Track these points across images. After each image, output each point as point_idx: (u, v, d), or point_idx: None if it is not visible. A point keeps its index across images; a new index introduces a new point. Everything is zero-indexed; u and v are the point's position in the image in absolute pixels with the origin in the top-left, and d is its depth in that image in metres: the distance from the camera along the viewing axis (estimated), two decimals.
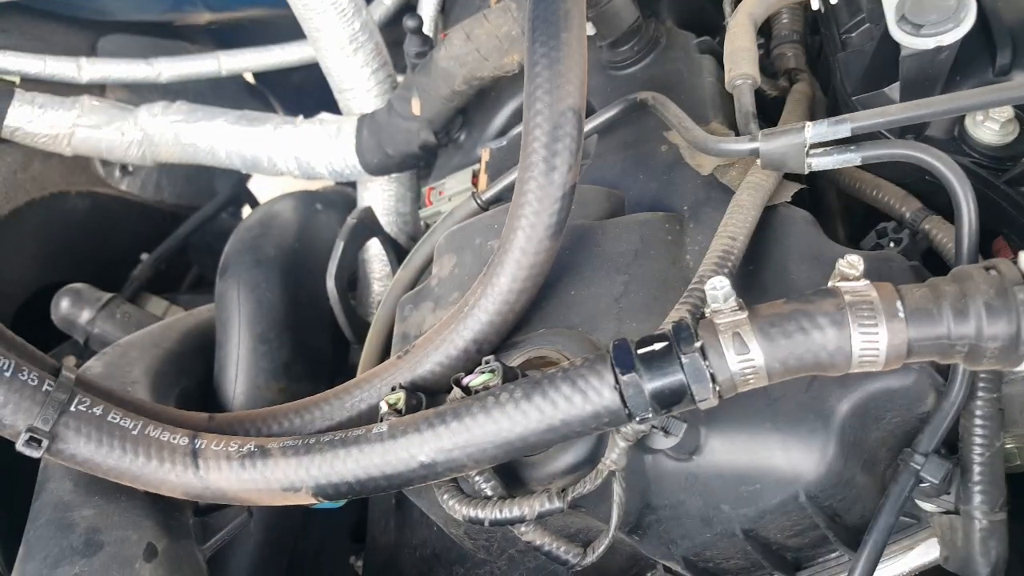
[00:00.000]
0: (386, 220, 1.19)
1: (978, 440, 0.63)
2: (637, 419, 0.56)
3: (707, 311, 0.57)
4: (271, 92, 1.96)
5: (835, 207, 0.90)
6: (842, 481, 0.63)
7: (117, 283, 1.38)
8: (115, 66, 1.44)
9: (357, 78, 1.17)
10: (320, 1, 1.12)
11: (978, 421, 0.62)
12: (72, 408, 0.63)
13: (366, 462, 0.60)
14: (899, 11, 0.66)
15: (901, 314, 0.53)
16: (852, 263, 0.56)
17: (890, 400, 0.63)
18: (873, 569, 0.63)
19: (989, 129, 0.72)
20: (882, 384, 0.62)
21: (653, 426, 0.60)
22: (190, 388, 0.95)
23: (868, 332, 0.53)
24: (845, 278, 0.56)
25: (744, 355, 0.54)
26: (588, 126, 0.85)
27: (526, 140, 0.67)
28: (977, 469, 0.62)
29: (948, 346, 0.53)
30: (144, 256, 1.40)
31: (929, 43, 0.65)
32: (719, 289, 0.57)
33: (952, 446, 0.65)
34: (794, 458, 0.62)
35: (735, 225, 0.67)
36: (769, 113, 0.87)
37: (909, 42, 0.66)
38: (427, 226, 1.07)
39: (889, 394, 0.62)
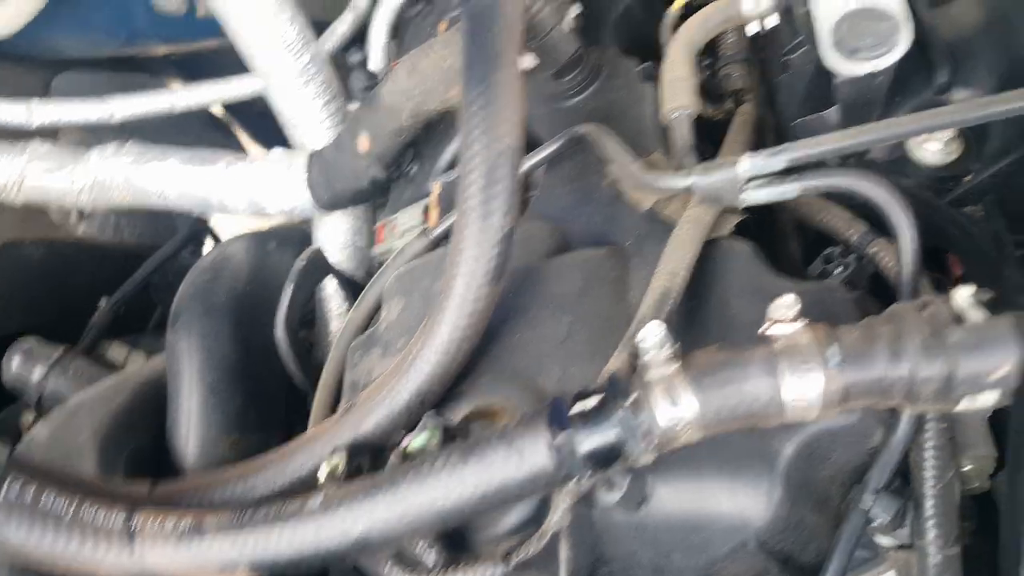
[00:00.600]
0: (342, 255, 1.17)
1: (929, 473, 0.61)
2: (575, 479, 0.55)
3: (641, 360, 0.56)
4: (237, 119, 1.94)
5: (789, 227, 0.89)
6: (791, 524, 0.61)
7: (78, 329, 1.35)
8: (67, 107, 1.41)
9: (307, 112, 1.15)
10: (266, 37, 1.10)
11: (928, 454, 0.61)
12: (1, 497, 0.61)
13: (300, 538, 0.58)
14: (834, 36, 0.65)
15: (836, 359, 0.52)
16: (787, 305, 0.55)
17: (835, 440, 0.61)
18: None
19: (930, 150, 0.71)
20: (825, 425, 0.60)
21: (596, 481, 0.58)
22: (143, 445, 0.93)
23: (801, 381, 0.52)
24: (780, 321, 0.55)
25: (677, 408, 0.53)
26: (531, 161, 0.83)
27: (462, 185, 0.65)
28: (930, 503, 0.61)
29: (885, 389, 0.52)
30: (103, 302, 1.37)
31: (864, 68, 0.64)
32: (654, 336, 0.55)
33: (906, 477, 0.64)
34: (741, 504, 0.60)
35: (674, 262, 0.65)
36: (717, 135, 0.85)
37: (843, 68, 0.65)
38: (380, 263, 1.06)
39: (833, 434, 0.61)
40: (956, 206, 0.70)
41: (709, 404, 0.53)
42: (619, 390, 0.54)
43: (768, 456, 0.60)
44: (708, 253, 0.69)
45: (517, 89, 0.66)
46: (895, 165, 0.73)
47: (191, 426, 0.93)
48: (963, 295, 0.51)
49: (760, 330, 0.55)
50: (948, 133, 0.70)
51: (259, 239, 1.14)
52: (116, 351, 1.33)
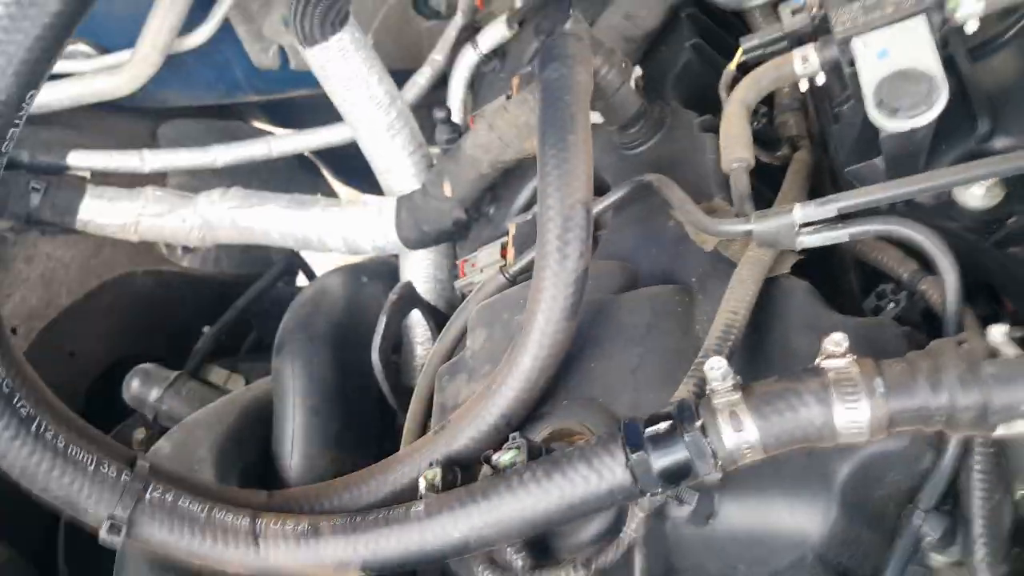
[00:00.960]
0: (425, 287, 1.27)
1: (978, 494, 0.66)
2: (648, 494, 0.62)
3: (707, 389, 0.63)
4: (324, 162, 2.09)
5: (847, 264, 0.95)
6: (848, 540, 0.67)
7: (182, 353, 1.49)
8: (174, 155, 1.57)
9: (396, 161, 1.27)
10: (358, 95, 1.22)
11: (977, 476, 0.66)
12: (147, 496, 0.72)
13: (406, 540, 0.67)
14: (876, 96, 0.71)
15: (881, 390, 0.58)
16: (837, 341, 0.62)
17: (887, 462, 0.67)
18: None
19: (975, 195, 0.76)
20: (878, 448, 0.66)
21: (668, 496, 0.65)
22: (252, 460, 1.04)
23: (851, 408, 0.58)
24: (831, 356, 0.62)
25: (740, 432, 0.60)
26: (601, 205, 0.91)
27: (541, 231, 0.74)
28: (979, 523, 0.66)
29: (927, 416, 0.58)
30: (206, 329, 1.51)
31: (905, 125, 0.70)
32: (717, 369, 0.63)
33: (958, 499, 0.69)
34: (800, 520, 0.67)
35: (736, 300, 0.73)
36: (775, 179, 0.92)
37: (886, 124, 0.71)
38: (463, 295, 1.15)
39: (885, 457, 0.67)
40: (1000, 247, 0.75)
41: (770, 428, 0.60)
42: (687, 415, 0.61)
43: (825, 476, 0.66)
44: (768, 291, 0.76)
45: (587, 148, 0.75)
46: (942, 209, 0.78)
47: (295, 443, 1.03)
48: (998, 332, 0.57)
49: (814, 362, 0.62)
50: (990, 179, 0.75)
51: (353, 273, 1.25)
52: (217, 374, 1.46)
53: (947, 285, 0.66)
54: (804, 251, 0.77)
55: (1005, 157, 0.67)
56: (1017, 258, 0.74)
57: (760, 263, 0.75)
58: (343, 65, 1.19)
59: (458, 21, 1.51)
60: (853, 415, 0.58)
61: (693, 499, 0.67)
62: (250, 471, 1.04)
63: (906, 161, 0.75)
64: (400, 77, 1.46)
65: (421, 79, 1.53)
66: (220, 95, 1.75)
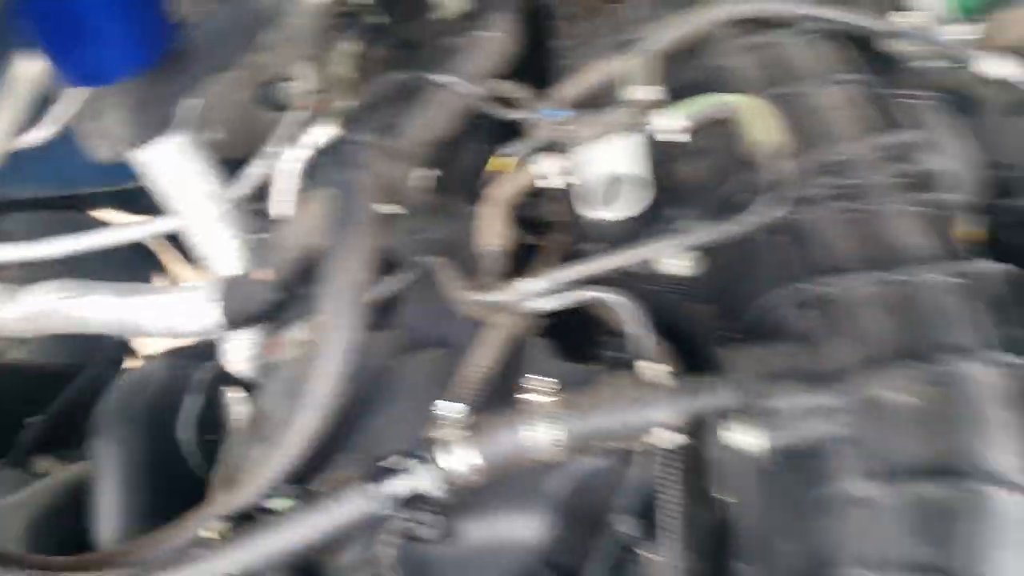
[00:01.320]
0: (247, 367, 1.36)
1: (662, 496, 0.82)
2: (393, 518, 0.75)
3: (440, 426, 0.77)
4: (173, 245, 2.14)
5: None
6: (569, 546, 0.82)
7: (7, 447, 1.49)
8: (7, 249, 1.60)
9: (220, 248, 1.37)
10: (184, 189, 1.33)
11: (659, 480, 0.82)
12: None
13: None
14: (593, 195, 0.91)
15: (569, 418, 0.74)
16: (543, 383, 0.77)
17: (596, 476, 0.83)
18: None
19: (671, 264, 0.95)
20: (585, 465, 0.82)
21: (408, 520, 0.78)
22: (68, 538, 1.08)
23: (548, 433, 0.73)
24: (537, 391, 0.77)
25: (463, 457, 0.74)
26: (388, 286, 1.06)
27: (320, 309, 0.88)
28: (667, 521, 0.81)
29: (603, 436, 0.74)
30: (28, 420, 1.52)
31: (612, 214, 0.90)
32: (449, 409, 0.77)
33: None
34: (525, 532, 0.81)
35: (478, 356, 0.88)
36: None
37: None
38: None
39: (592, 472, 0.82)
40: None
41: (487, 455, 0.74)
42: (421, 447, 0.75)
43: (544, 493, 0.81)
44: (514, 348, 0.92)
45: (367, 240, 0.89)
46: (651, 276, 0.98)
47: (111, 518, 1.09)
48: (644, 367, 0.75)
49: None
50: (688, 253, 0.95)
51: (173, 357, 1.33)
52: (43, 464, 1.47)
53: (638, 340, 0.83)
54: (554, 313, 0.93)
55: (695, 233, 0.86)
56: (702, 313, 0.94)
57: (503, 326, 0.91)
58: (169, 163, 1.30)
59: (295, 116, 1.65)
60: (550, 438, 0.74)
61: (435, 522, 0.79)
62: (67, 548, 1.08)
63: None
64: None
65: (255, 170, 1.65)
66: (62, 187, 1.80)
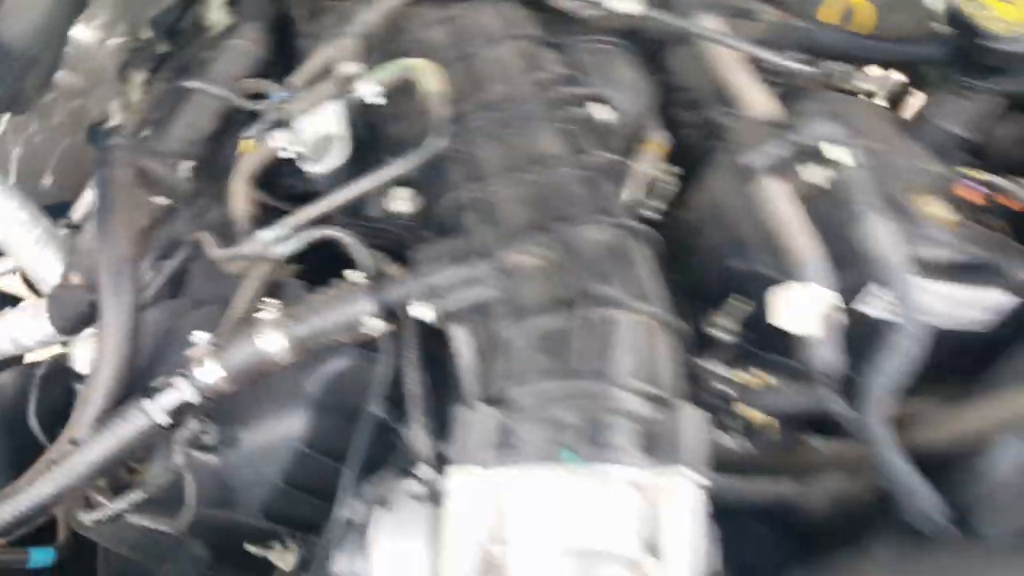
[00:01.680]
0: None
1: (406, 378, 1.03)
2: (169, 427, 0.95)
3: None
4: None
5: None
6: (330, 432, 1.03)
7: None
8: None
9: (45, 267, 1.54)
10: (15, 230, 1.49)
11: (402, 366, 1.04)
12: None
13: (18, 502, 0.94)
14: (309, 151, 1.12)
15: (293, 325, 0.95)
16: (271, 303, 0.98)
17: (345, 373, 1.04)
18: None
19: (398, 203, 1.17)
20: (332, 364, 1.03)
21: (191, 431, 0.98)
22: None
23: (277, 339, 0.94)
24: (267, 309, 0.98)
25: (213, 372, 0.94)
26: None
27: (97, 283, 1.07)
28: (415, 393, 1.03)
29: (323, 334, 0.95)
30: None
31: (318, 169, 1.11)
32: (199, 337, 0.97)
33: None
34: (287, 427, 1.02)
35: (237, 299, 1.08)
36: None
37: (311, 169, 1.12)
38: None
39: (343, 370, 1.04)
40: None
41: (228, 365, 0.94)
42: (182, 367, 0.95)
43: (298, 391, 1.02)
44: (270, 290, 1.12)
45: (123, 224, 1.08)
46: (385, 215, 1.19)
47: None
48: (348, 275, 0.97)
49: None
50: (405, 192, 1.17)
51: (26, 367, 1.50)
52: None
53: (355, 255, 1.04)
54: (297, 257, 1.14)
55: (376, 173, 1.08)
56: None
57: (257, 274, 1.11)
58: None
59: None
60: (279, 343, 0.95)
61: (212, 429, 1.00)
62: None
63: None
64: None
65: (87, 197, 1.81)
66: None
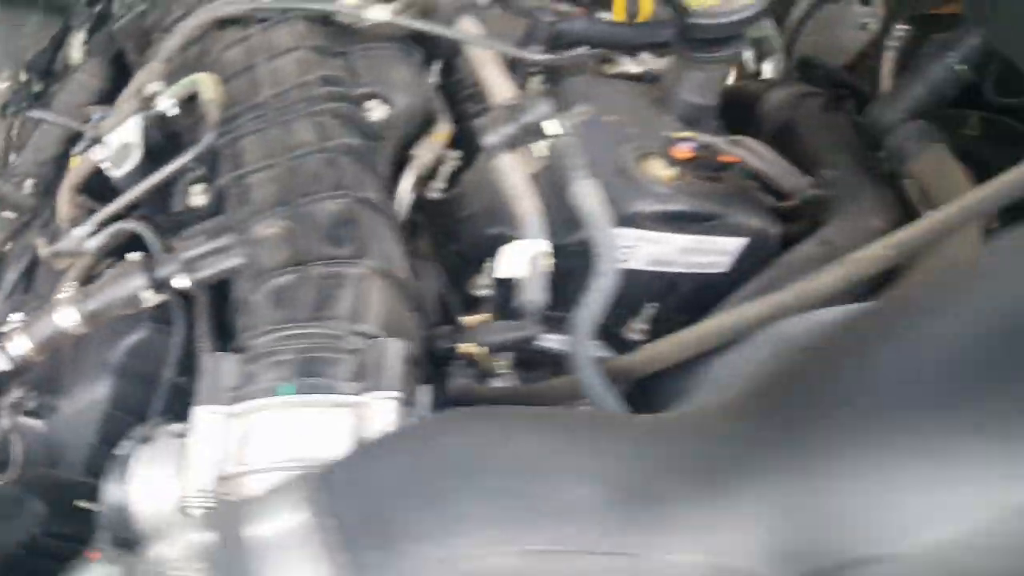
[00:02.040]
0: None
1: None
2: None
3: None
4: None
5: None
6: (130, 395, 1.21)
7: None
8: None
9: None
10: None
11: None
12: None
13: None
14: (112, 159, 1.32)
15: (78, 302, 1.14)
16: (69, 285, 1.18)
17: (143, 343, 1.23)
18: None
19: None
20: (131, 336, 1.22)
21: (17, 398, 1.17)
22: None
23: (70, 311, 1.13)
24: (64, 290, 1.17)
25: (19, 343, 1.13)
26: None
27: None
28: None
29: (109, 308, 1.14)
30: None
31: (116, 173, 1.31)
32: (14, 319, 1.16)
33: None
34: (96, 393, 1.20)
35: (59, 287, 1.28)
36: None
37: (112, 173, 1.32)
38: None
39: (139, 340, 1.22)
40: None
41: (33, 337, 1.14)
42: None
43: (104, 361, 1.21)
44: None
45: None
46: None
47: None
48: (128, 256, 1.16)
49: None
50: (199, 188, 1.36)
51: None
52: None
53: (149, 247, 1.24)
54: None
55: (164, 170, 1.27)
56: None
57: (78, 267, 1.31)
58: None
59: None
60: (71, 319, 1.14)
61: (36, 398, 1.19)
62: None
63: None
64: None
65: None
66: None
